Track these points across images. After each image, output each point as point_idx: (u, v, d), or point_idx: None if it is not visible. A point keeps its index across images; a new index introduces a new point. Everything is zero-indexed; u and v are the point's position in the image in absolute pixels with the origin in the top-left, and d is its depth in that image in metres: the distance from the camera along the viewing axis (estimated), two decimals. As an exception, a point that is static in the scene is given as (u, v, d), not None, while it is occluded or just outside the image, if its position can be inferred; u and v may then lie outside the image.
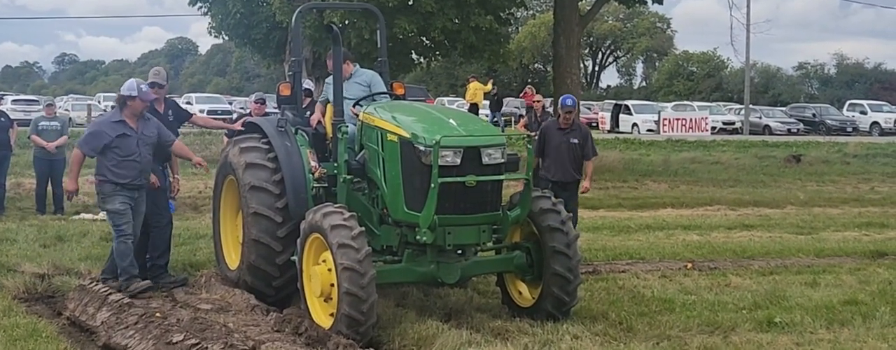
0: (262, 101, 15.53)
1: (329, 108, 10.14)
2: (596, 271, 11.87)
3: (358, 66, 10.55)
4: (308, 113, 10.74)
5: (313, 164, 9.60)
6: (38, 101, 49.79)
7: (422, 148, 8.47)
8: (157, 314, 8.77)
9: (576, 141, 12.50)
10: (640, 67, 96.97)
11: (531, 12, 75.54)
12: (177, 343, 7.91)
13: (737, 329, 8.90)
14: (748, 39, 51.52)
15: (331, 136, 9.93)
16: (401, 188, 8.70)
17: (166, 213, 10.87)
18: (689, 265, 12.49)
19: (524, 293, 9.52)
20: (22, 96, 57.96)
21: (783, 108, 60.33)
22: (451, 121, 8.86)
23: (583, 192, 12.84)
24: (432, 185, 8.28)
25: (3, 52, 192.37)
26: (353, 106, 9.80)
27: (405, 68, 30.23)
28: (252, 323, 8.71)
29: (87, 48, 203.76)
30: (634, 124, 50.41)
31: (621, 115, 52.01)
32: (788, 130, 51.88)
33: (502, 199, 9.00)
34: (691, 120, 50.00)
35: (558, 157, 12.50)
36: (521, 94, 41.66)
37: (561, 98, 12.94)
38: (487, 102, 39.92)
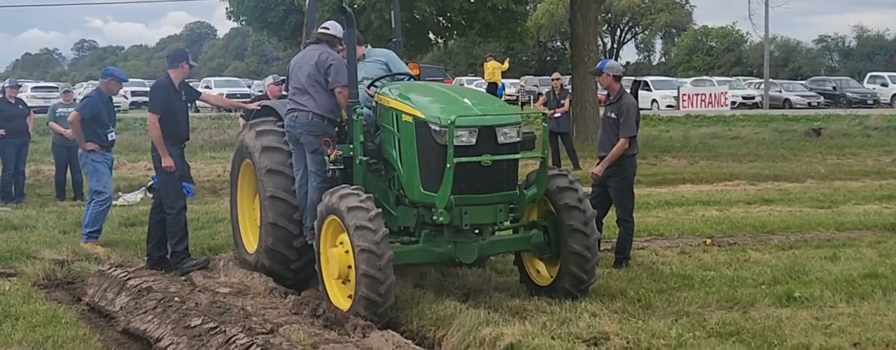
0: (280, 83, 15.49)
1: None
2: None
3: (369, 46, 10.47)
4: None
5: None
6: (57, 87, 49.95)
7: (437, 128, 8.44)
8: (176, 298, 8.80)
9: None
10: (658, 43, 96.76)
11: (548, -11, 75.29)
12: (195, 326, 7.94)
13: (756, 304, 8.85)
14: (767, 13, 51.30)
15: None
16: (417, 169, 8.67)
17: (181, 198, 10.91)
18: (708, 241, 12.42)
19: (542, 272, 9.50)
20: (41, 83, 58.36)
21: (803, 82, 60.02)
22: (466, 100, 8.82)
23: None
24: (448, 166, 8.25)
25: (27, 39, 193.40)
26: (369, 86, 9.74)
27: (423, 48, 30.23)
28: (270, 306, 8.73)
29: (112, 34, 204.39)
30: (654, 100, 50.29)
31: (640, 92, 51.64)
32: (809, 104, 51.61)
33: (519, 177, 8.97)
34: (711, 95, 49.81)
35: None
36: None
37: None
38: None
